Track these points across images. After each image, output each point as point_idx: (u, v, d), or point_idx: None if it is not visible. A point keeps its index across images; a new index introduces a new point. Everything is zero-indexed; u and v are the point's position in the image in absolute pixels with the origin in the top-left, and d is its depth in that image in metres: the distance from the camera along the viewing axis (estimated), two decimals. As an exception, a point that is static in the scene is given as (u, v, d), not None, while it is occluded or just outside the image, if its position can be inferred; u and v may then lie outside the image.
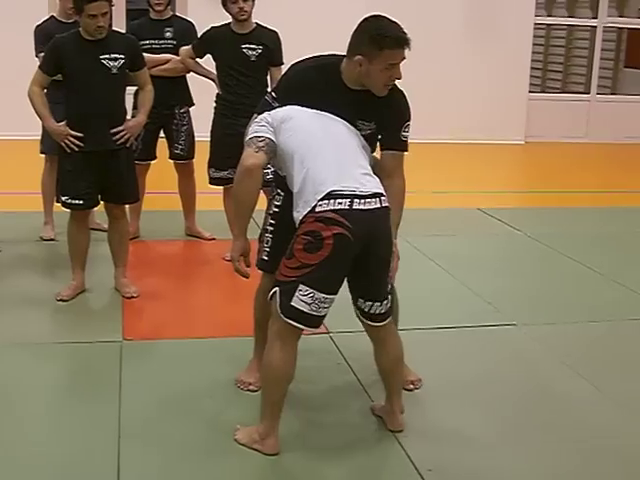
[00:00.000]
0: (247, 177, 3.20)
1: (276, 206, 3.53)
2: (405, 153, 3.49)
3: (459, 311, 4.94)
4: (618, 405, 3.84)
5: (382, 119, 3.43)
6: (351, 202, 3.07)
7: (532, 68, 11.84)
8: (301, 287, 3.08)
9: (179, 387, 3.82)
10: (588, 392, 3.96)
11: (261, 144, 3.22)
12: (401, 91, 3.47)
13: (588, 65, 12.50)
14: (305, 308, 3.10)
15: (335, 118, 3.35)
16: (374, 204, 3.12)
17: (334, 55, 3.44)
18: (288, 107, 3.35)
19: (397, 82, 3.40)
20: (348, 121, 3.37)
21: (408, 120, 3.46)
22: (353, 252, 3.09)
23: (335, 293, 3.17)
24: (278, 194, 3.53)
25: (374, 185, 3.18)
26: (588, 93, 12.24)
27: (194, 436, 3.38)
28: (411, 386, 3.82)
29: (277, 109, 3.36)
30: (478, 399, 3.83)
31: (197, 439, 3.37)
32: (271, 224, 3.56)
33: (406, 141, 3.48)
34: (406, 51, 3.27)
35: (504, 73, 11.16)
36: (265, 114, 3.33)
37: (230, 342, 4.27)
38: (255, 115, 3.43)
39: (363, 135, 3.41)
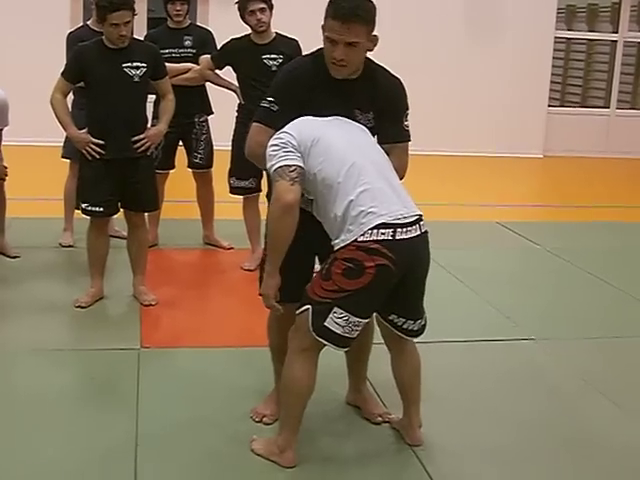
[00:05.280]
0: (287, 214, 3.00)
1: None
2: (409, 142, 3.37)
3: (477, 325, 4.91)
4: (638, 422, 3.80)
5: (380, 109, 3.28)
6: (394, 232, 2.99)
7: (552, 82, 11.83)
8: (336, 310, 3.03)
9: (196, 396, 3.81)
10: (607, 409, 3.92)
11: (294, 175, 3.01)
12: (397, 78, 3.34)
13: (608, 79, 12.45)
14: (338, 330, 3.05)
15: (352, 123, 3.22)
16: (415, 232, 3.06)
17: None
18: (305, 124, 3.15)
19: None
20: (345, 112, 3.22)
21: (408, 109, 3.34)
22: (393, 281, 3.05)
23: (369, 317, 3.15)
24: None
25: (414, 206, 3.11)
26: (608, 107, 12.22)
27: (211, 445, 3.37)
28: (379, 419, 3.64)
29: (295, 127, 3.13)
30: (496, 414, 3.80)
31: (214, 449, 3.36)
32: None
33: (409, 131, 3.35)
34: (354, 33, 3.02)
35: (523, 87, 11.16)
36: (286, 136, 3.10)
37: (248, 352, 4.26)
38: (258, 124, 3.22)
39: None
